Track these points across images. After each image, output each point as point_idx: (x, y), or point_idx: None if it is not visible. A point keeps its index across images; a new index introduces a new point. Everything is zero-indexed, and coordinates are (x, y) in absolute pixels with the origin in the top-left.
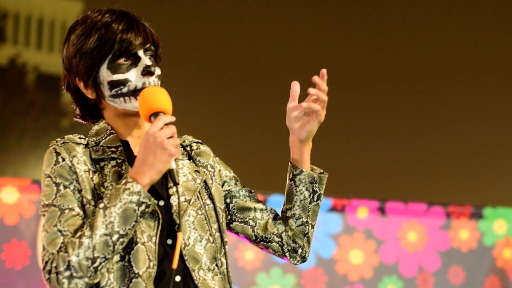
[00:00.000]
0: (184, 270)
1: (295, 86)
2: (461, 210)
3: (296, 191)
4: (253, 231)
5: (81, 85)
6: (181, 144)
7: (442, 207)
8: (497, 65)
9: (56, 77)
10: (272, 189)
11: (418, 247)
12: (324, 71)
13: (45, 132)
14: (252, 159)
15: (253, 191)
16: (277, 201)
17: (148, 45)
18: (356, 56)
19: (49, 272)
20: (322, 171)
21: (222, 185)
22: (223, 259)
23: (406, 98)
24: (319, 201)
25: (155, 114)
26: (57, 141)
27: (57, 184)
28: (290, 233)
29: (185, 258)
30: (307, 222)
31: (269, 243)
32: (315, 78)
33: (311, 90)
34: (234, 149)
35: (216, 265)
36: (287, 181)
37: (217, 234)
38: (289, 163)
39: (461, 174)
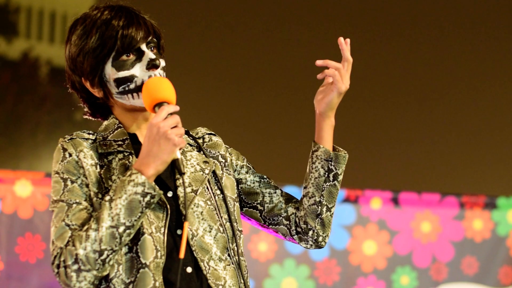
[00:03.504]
0: (196, 261)
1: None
2: (475, 200)
3: (312, 168)
4: (261, 215)
5: (87, 85)
6: (193, 136)
7: (455, 197)
8: (507, 57)
9: None
10: (287, 181)
11: (432, 238)
12: (348, 40)
13: (58, 125)
14: (267, 150)
15: (265, 176)
16: (291, 193)
17: (150, 37)
18: (368, 51)
19: (58, 266)
20: (344, 151)
21: (234, 174)
22: (236, 249)
23: (418, 89)
24: (336, 182)
25: (159, 105)
26: (65, 138)
27: (65, 180)
28: (302, 213)
29: (193, 249)
30: (320, 202)
31: (277, 226)
32: (341, 39)
33: (318, 62)
34: (249, 139)
35: (228, 255)
36: (308, 160)
37: (228, 224)
38: (312, 141)
39: (474, 164)
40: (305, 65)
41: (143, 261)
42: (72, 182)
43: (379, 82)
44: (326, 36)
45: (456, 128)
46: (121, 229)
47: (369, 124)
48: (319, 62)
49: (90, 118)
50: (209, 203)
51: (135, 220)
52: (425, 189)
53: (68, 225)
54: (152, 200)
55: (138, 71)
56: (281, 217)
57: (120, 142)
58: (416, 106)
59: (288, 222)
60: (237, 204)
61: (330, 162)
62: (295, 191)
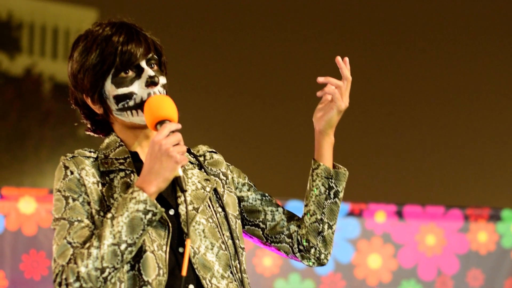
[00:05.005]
0: (198, 279)
1: (322, 79)
2: (479, 212)
3: (313, 186)
4: (263, 233)
5: (88, 101)
6: (194, 154)
7: (460, 210)
8: (509, 68)
9: None
10: (290, 195)
11: (437, 251)
12: (346, 59)
13: (62, 141)
14: (270, 164)
15: (267, 194)
16: (295, 207)
17: (151, 54)
18: (371, 65)
19: (60, 284)
20: (344, 168)
21: (236, 192)
22: (238, 266)
23: (421, 102)
24: (336, 199)
25: (161, 122)
26: (66, 156)
27: (66, 198)
28: (303, 231)
29: (195, 267)
30: (321, 219)
31: (279, 244)
32: (338, 58)
33: (319, 79)
34: (252, 154)
35: (231, 272)
36: (308, 178)
37: (230, 241)
38: (312, 159)
39: (478, 176)
40: (308, 81)
41: (146, 279)
42: (74, 200)
43: (382, 96)
44: (329, 52)
45: (460, 140)
46: (123, 246)
47: (373, 137)
48: (320, 79)
49: (92, 134)
50: (210, 220)
51: (137, 238)
52: (429, 202)
53: (70, 243)
54: (153, 218)
55: (137, 88)
56: (283, 235)
57: (121, 160)
58: (419, 120)
59: (290, 240)
60: (239, 221)
61: (330, 180)
62: (298, 206)
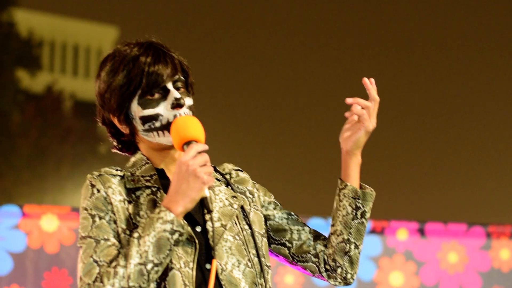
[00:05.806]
0: None
1: (351, 100)
2: (502, 229)
3: (340, 206)
4: (289, 252)
5: (115, 121)
6: (220, 172)
7: (482, 227)
8: None
9: (92, 104)
10: (312, 213)
11: (459, 268)
12: (372, 80)
13: (82, 158)
14: (292, 182)
15: (293, 213)
16: (317, 225)
17: (177, 76)
18: (400, 78)
19: None
20: (371, 189)
21: (262, 210)
22: (264, 284)
23: (443, 120)
24: (363, 219)
25: (188, 143)
26: (93, 174)
27: (93, 216)
28: (330, 251)
29: (223, 283)
30: (348, 240)
31: (306, 263)
32: (365, 79)
33: (348, 100)
34: (274, 171)
35: None
36: (335, 197)
37: (256, 259)
38: (338, 179)
39: (501, 193)
40: (334, 98)
41: None
42: (100, 218)
43: (404, 114)
44: (355, 74)
45: (482, 158)
46: (149, 266)
47: (395, 155)
48: (349, 100)
49: (118, 152)
50: (237, 238)
51: (164, 258)
52: (451, 219)
53: (96, 262)
54: (180, 238)
55: (162, 110)
56: (309, 255)
57: (148, 177)
58: (441, 137)
59: (317, 260)
60: (265, 240)
61: (357, 200)
62: (320, 224)
